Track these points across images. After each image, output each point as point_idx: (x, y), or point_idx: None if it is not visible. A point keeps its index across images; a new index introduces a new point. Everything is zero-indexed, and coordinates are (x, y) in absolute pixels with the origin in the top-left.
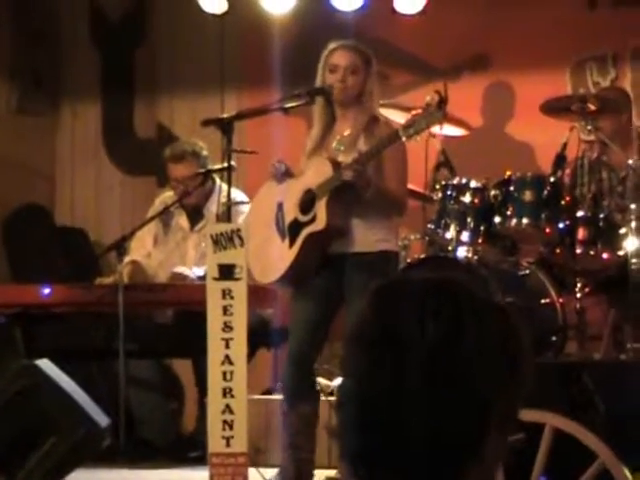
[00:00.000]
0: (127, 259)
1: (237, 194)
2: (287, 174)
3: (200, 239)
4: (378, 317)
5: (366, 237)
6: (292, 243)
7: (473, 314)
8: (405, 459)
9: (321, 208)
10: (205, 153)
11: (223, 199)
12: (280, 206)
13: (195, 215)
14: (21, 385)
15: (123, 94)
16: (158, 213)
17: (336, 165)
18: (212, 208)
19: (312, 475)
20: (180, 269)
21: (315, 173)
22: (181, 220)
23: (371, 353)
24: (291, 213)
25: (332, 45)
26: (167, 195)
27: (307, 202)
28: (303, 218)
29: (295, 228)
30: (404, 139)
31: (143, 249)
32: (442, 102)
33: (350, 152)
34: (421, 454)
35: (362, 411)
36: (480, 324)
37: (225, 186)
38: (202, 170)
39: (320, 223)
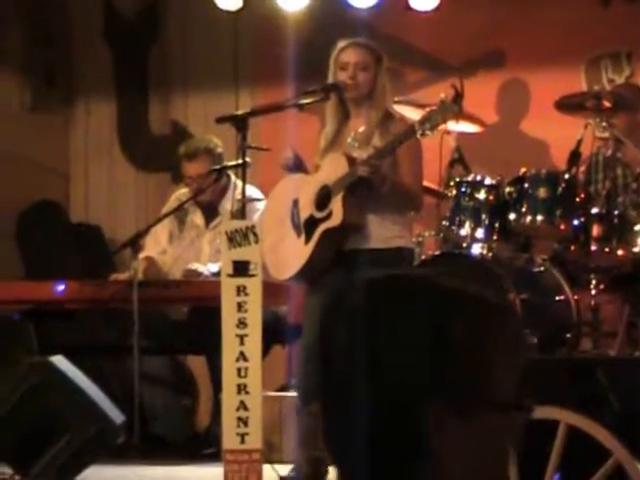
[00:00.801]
0: (142, 255)
1: (252, 191)
2: (298, 161)
3: (215, 236)
4: (320, 328)
5: (381, 233)
6: (308, 239)
7: (389, 311)
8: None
9: (337, 204)
10: (219, 150)
11: (238, 196)
12: (295, 202)
13: (210, 212)
14: (35, 381)
15: (137, 91)
16: (173, 210)
17: (351, 161)
18: (227, 205)
19: (327, 472)
20: (194, 266)
21: (330, 169)
22: (196, 217)
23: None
24: (307, 209)
25: (342, 43)
26: (182, 192)
27: (323, 198)
28: (319, 214)
29: (311, 224)
30: (420, 134)
31: (158, 245)
32: (458, 96)
33: (365, 148)
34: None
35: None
36: (395, 320)
37: (240, 183)
38: (216, 167)
39: (336, 219)
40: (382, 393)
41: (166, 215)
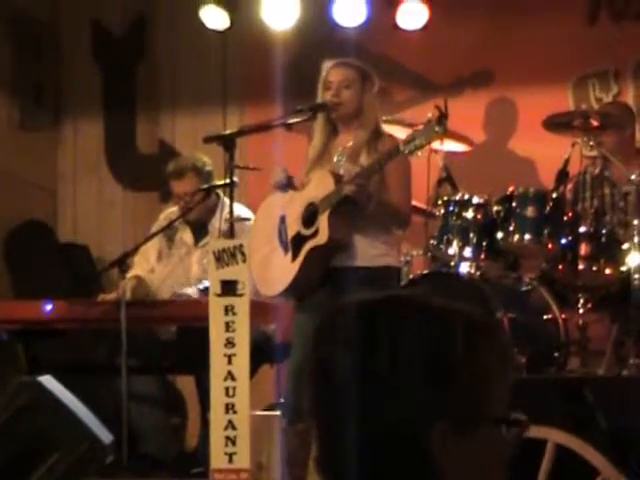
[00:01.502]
0: (130, 274)
1: (242, 210)
2: (289, 180)
3: (204, 254)
4: (315, 350)
5: (367, 251)
6: (295, 257)
7: (389, 335)
8: None
9: (323, 222)
10: (208, 168)
11: (227, 215)
12: (283, 219)
13: (200, 230)
14: (23, 401)
15: (125, 110)
16: (162, 228)
17: (338, 179)
18: (216, 224)
19: None
20: (184, 290)
21: (317, 186)
22: (185, 235)
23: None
24: (294, 226)
25: (327, 64)
26: (171, 210)
27: (309, 215)
28: (305, 232)
29: (298, 242)
30: (407, 153)
31: (146, 264)
32: (442, 117)
33: (352, 165)
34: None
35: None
36: (396, 345)
37: (227, 200)
38: (204, 186)
39: (322, 237)
40: (386, 414)
41: (155, 233)
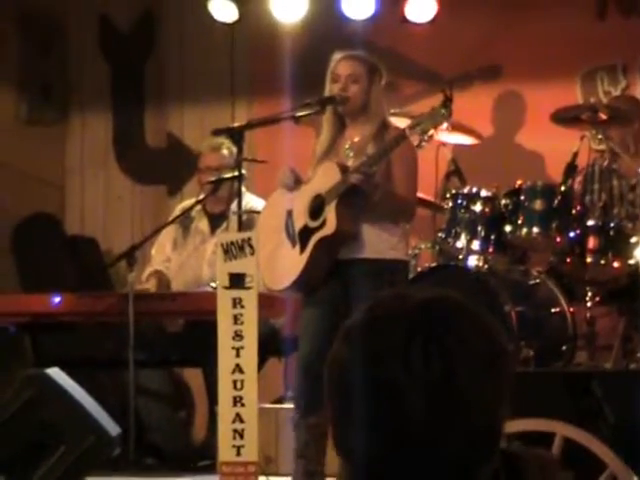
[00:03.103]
0: (149, 269)
1: (257, 203)
2: (296, 178)
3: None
4: (362, 363)
5: (375, 243)
6: (303, 249)
7: (461, 346)
8: None
9: (330, 212)
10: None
11: (245, 205)
12: (290, 213)
13: (217, 220)
14: (30, 394)
15: (133, 104)
16: (176, 217)
17: (344, 169)
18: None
19: None
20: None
21: (323, 178)
22: (201, 224)
23: (367, 404)
24: (301, 219)
25: (336, 56)
26: (188, 202)
27: (316, 207)
28: (313, 224)
29: (305, 234)
30: (412, 143)
31: (162, 254)
32: (447, 100)
33: (359, 157)
34: None
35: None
36: (469, 355)
37: (247, 193)
38: (212, 179)
39: (330, 227)
40: (462, 410)
41: (169, 223)
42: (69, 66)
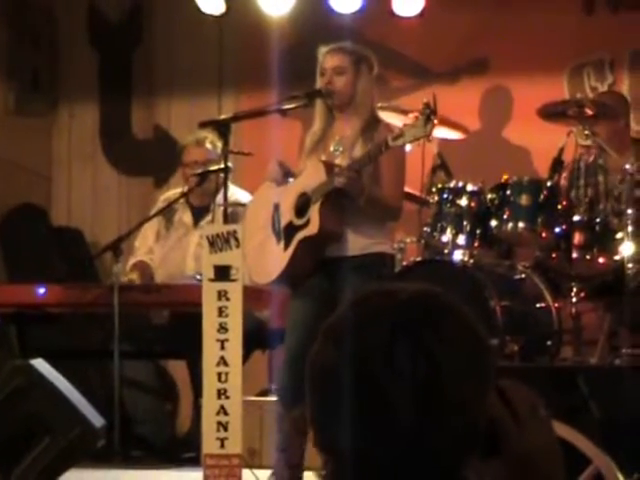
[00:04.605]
0: (132, 260)
1: (243, 195)
2: (285, 171)
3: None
4: (346, 362)
5: (360, 241)
6: (287, 246)
7: (445, 345)
8: None
9: (314, 213)
10: (220, 146)
11: (230, 198)
12: (277, 207)
13: (200, 213)
14: (15, 385)
15: (121, 95)
16: (160, 210)
17: (330, 169)
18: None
19: (301, 479)
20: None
21: (310, 176)
22: (185, 216)
23: (352, 403)
24: (287, 215)
25: (322, 49)
26: (172, 192)
27: (302, 205)
28: (297, 221)
29: (290, 231)
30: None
31: (145, 246)
32: (431, 114)
33: (347, 155)
34: None
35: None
36: (453, 354)
37: (232, 185)
38: (198, 171)
39: (313, 228)
40: (447, 408)
41: (154, 215)
42: (58, 57)
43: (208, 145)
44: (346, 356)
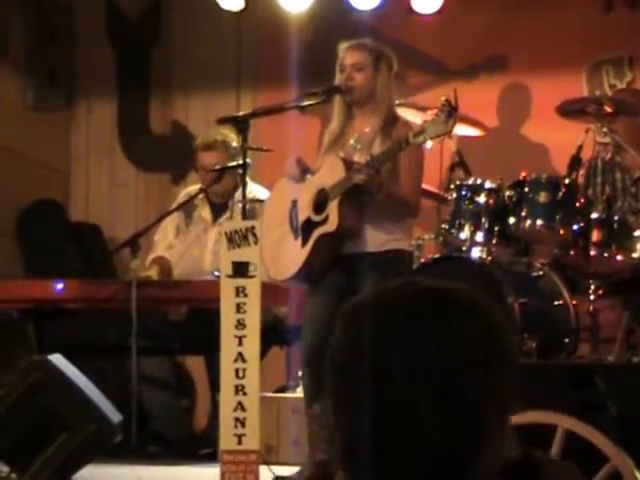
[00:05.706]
0: (152, 255)
1: (261, 192)
2: (303, 168)
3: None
4: (363, 347)
5: (379, 237)
6: (304, 242)
7: (464, 342)
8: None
9: (333, 209)
10: (235, 144)
11: (249, 194)
12: (294, 203)
13: (220, 209)
14: (33, 380)
15: (139, 91)
16: (180, 205)
17: (348, 166)
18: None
19: (331, 475)
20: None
21: (328, 172)
22: (204, 212)
23: (365, 390)
24: (304, 211)
25: (342, 46)
26: (193, 188)
27: (320, 201)
28: (316, 218)
29: (308, 227)
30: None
31: (165, 241)
32: (452, 111)
33: (366, 152)
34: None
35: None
36: (465, 342)
37: (251, 182)
38: (217, 167)
39: (332, 225)
40: (448, 403)
41: (173, 210)
42: (76, 53)
43: (219, 147)
44: (363, 341)
